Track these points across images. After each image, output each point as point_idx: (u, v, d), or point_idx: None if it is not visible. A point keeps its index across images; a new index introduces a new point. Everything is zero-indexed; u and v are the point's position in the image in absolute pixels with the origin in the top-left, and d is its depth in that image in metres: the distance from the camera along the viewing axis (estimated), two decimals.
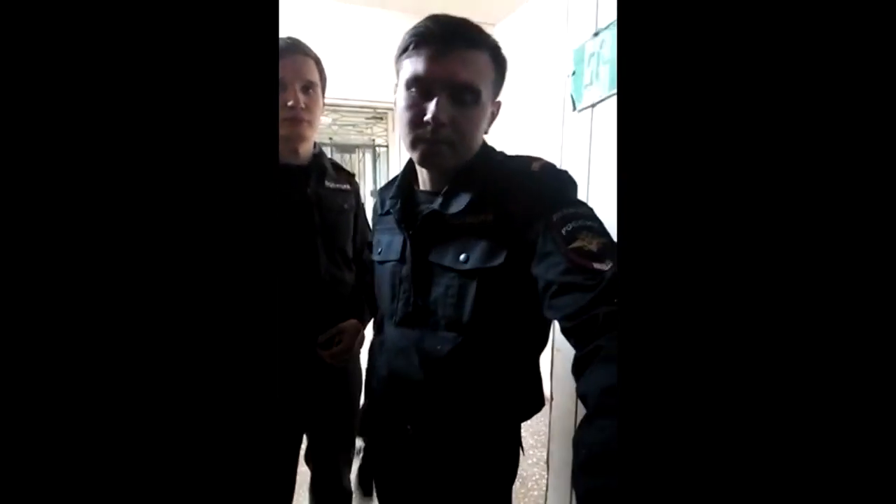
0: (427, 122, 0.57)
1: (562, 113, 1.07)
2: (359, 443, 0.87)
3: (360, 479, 0.81)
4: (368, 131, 4.04)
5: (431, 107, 0.57)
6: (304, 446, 1.04)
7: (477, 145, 0.64)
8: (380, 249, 0.72)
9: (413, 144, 0.60)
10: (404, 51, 0.59)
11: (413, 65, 0.58)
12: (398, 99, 0.62)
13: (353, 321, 0.96)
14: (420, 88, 0.58)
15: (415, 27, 0.58)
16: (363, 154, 4.59)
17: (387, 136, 3.20)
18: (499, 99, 0.65)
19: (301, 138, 0.90)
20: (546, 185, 0.59)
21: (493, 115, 0.65)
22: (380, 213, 0.75)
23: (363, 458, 0.81)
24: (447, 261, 0.61)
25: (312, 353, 0.91)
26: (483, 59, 0.59)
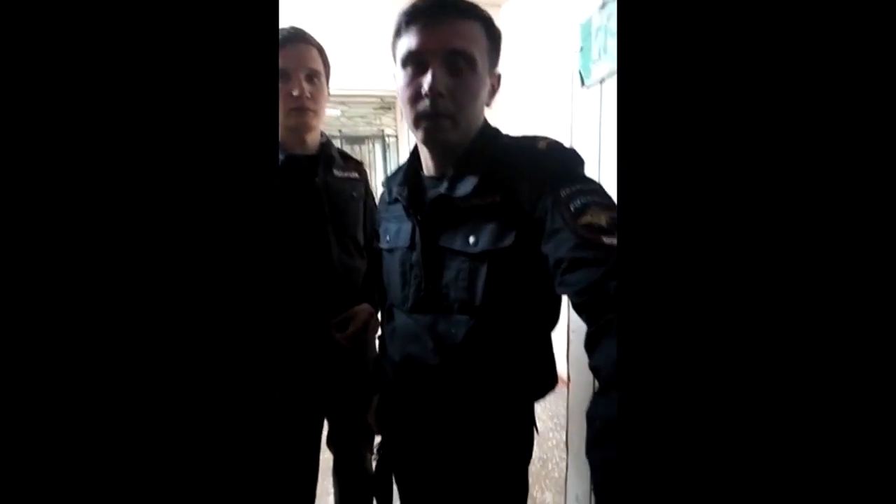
0: (425, 95, 0.57)
1: (570, 89, 1.05)
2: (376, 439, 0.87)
3: (378, 475, 0.81)
4: (377, 122, 4.03)
5: (427, 78, 0.56)
6: (325, 432, 1.06)
7: (478, 120, 0.63)
8: (388, 237, 0.72)
9: (415, 122, 0.60)
10: (397, 33, 0.59)
11: (406, 42, 0.58)
12: (397, 81, 0.61)
13: (364, 304, 0.97)
14: (415, 63, 0.58)
15: (404, 9, 0.58)
16: (373, 145, 4.59)
17: (395, 125, 3.19)
18: (498, 71, 0.64)
19: (307, 128, 0.90)
20: (553, 162, 0.58)
21: (494, 89, 0.64)
22: (388, 202, 0.75)
23: (380, 453, 0.81)
24: (457, 244, 0.61)
25: (328, 340, 0.93)
26: (475, 28, 0.58)
